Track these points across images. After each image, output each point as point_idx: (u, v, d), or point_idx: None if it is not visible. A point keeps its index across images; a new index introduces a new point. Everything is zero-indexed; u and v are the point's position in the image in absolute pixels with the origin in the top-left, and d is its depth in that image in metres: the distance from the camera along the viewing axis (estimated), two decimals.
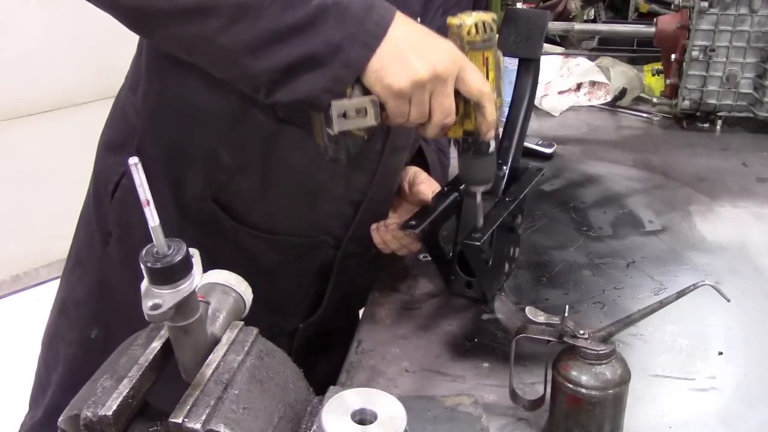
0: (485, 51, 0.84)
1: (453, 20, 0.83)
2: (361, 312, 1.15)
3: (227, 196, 1.02)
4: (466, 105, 0.85)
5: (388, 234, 1.08)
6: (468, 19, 0.82)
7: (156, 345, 0.64)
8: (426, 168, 1.19)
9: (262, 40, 0.76)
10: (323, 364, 1.15)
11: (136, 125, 1.03)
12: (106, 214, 1.08)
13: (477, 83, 0.82)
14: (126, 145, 1.04)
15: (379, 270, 1.21)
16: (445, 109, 0.81)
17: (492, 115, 0.84)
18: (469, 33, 0.82)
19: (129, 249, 1.05)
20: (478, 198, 0.98)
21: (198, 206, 1.02)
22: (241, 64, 0.78)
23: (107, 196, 1.06)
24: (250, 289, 0.71)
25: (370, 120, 0.80)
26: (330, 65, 0.76)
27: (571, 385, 0.79)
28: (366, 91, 0.79)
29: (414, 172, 1.17)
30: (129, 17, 0.80)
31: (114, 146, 1.08)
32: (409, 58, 0.78)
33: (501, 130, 1.16)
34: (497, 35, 0.85)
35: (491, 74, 0.85)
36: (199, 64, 0.83)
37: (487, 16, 0.83)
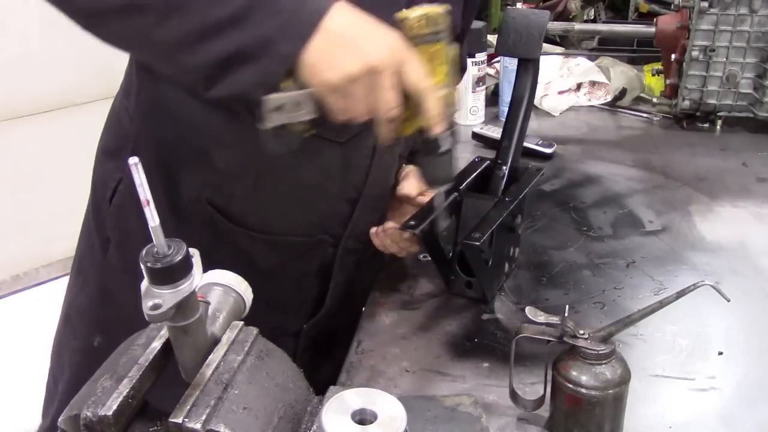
0: (433, 45, 0.81)
1: (400, 13, 0.81)
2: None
3: (222, 198, 1.02)
4: (414, 101, 0.81)
5: (387, 238, 1.09)
6: (413, 13, 0.80)
7: (156, 345, 0.64)
8: None
9: (194, 36, 0.75)
10: (329, 365, 1.15)
11: (129, 130, 1.04)
12: (105, 220, 1.09)
13: (416, 77, 0.79)
14: (121, 151, 1.05)
15: (380, 268, 1.21)
16: (385, 103, 0.78)
17: (433, 110, 0.80)
18: (413, 27, 0.80)
19: (128, 254, 1.06)
20: (437, 200, 0.96)
21: (193, 209, 1.02)
22: (177, 60, 0.78)
23: (105, 203, 1.07)
24: (250, 289, 0.71)
25: (307, 114, 0.78)
26: (261, 59, 0.75)
27: (571, 385, 0.79)
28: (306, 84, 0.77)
29: (406, 172, 1.17)
30: (76, 16, 0.80)
31: (110, 152, 1.09)
32: (343, 51, 0.75)
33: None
34: (447, 28, 0.82)
35: (441, 68, 0.82)
36: (142, 60, 0.83)
37: (436, 9, 0.80)
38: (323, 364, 1.14)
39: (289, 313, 1.16)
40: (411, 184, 1.14)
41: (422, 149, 0.86)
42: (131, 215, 1.04)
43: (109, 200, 1.07)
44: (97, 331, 1.11)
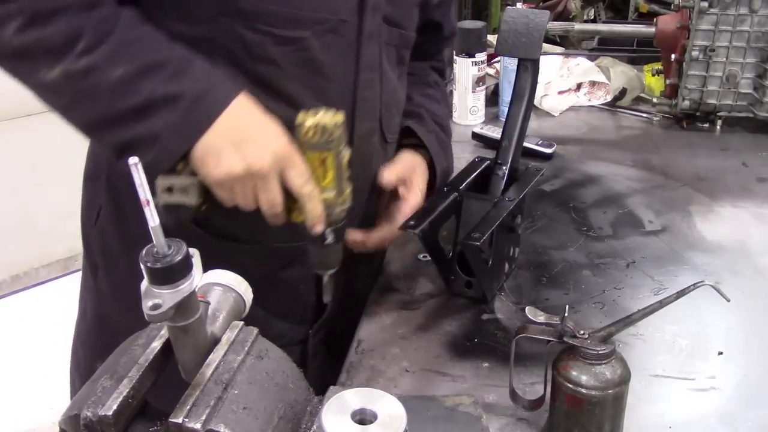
0: (323, 152, 0.85)
1: (299, 117, 0.84)
2: None
3: (201, 213, 1.02)
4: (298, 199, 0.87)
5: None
6: (308, 121, 0.83)
7: (156, 345, 0.64)
8: (427, 153, 1.18)
9: (98, 122, 0.84)
10: (339, 370, 1.14)
11: (102, 154, 1.06)
12: (92, 245, 1.10)
13: (297, 182, 0.84)
14: (100, 176, 1.07)
15: (379, 267, 1.21)
16: (267, 200, 0.85)
17: (312, 212, 0.86)
18: (306, 134, 0.84)
19: (115, 279, 1.08)
20: (324, 280, 0.98)
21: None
22: (89, 135, 0.91)
23: (91, 227, 1.09)
24: (250, 289, 0.72)
25: (194, 198, 0.83)
26: (149, 152, 0.81)
27: (571, 385, 0.79)
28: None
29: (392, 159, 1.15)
30: (24, 86, 0.86)
31: (90, 178, 1.11)
32: (229, 151, 0.82)
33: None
34: (342, 137, 0.85)
35: (329, 174, 0.86)
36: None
37: (332, 119, 0.83)
38: (333, 370, 1.13)
39: (292, 321, 1.15)
40: (390, 171, 1.11)
41: (308, 239, 0.91)
42: (114, 240, 1.06)
43: (94, 224, 1.09)
44: (98, 358, 1.12)
